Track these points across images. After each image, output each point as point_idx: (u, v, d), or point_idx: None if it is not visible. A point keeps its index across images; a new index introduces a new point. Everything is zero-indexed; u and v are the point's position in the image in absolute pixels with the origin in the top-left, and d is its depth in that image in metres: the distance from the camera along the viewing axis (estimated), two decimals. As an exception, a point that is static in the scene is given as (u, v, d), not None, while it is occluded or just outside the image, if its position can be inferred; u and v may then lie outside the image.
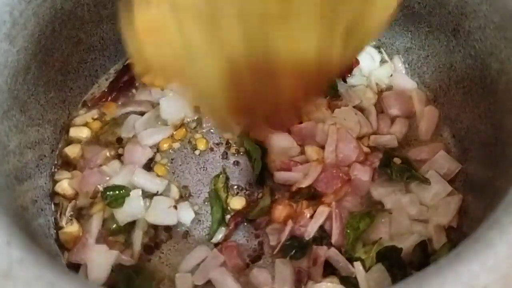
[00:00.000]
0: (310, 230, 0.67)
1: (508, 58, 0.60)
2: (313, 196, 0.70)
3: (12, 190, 0.61)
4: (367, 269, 0.64)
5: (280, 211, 0.68)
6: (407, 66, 0.84)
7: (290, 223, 0.67)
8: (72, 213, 0.72)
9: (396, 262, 0.64)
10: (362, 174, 0.71)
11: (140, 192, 0.71)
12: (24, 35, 0.64)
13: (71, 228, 0.70)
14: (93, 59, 0.82)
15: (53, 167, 0.76)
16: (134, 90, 0.84)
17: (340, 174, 0.70)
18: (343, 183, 0.70)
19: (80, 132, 0.79)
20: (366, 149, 0.75)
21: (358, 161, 0.72)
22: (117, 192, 0.71)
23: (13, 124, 0.64)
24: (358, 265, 0.64)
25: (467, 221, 0.67)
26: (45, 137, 0.74)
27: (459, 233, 0.67)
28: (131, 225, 0.70)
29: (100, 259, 0.66)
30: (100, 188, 0.72)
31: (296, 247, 0.66)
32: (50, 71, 0.72)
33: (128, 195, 0.71)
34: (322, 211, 0.68)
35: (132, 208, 0.70)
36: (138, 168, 0.74)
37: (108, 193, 0.70)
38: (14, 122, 0.65)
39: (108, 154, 0.76)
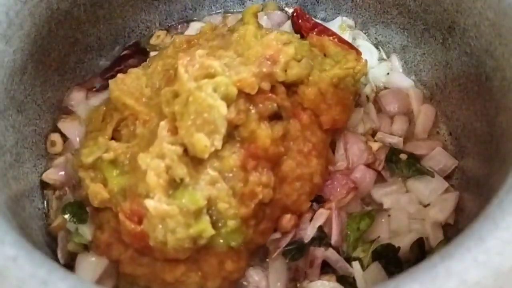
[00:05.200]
0: (309, 233, 0.66)
1: (502, 55, 0.59)
2: (316, 200, 0.69)
3: (8, 189, 0.61)
4: (365, 268, 0.64)
5: (288, 220, 0.66)
6: (403, 64, 0.84)
7: (292, 232, 0.66)
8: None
9: (393, 260, 0.65)
10: (364, 177, 0.70)
11: None
12: (21, 35, 0.64)
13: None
14: (90, 59, 0.82)
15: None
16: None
17: (346, 182, 0.69)
18: (348, 192, 0.68)
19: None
20: (375, 145, 0.74)
21: (367, 164, 0.71)
22: (76, 209, 0.66)
23: (10, 124, 0.65)
24: (356, 264, 0.64)
25: (463, 218, 0.67)
26: (42, 137, 0.74)
27: (456, 230, 0.67)
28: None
29: (88, 268, 0.63)
30: None
31: (294, 250, 0.66)
32: (47, 71, 0.73)
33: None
34: (321, 214, 0.67)
35: None
36: None
37: (67, 210, 0.66)
38: (10, 122, 0.65)
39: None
